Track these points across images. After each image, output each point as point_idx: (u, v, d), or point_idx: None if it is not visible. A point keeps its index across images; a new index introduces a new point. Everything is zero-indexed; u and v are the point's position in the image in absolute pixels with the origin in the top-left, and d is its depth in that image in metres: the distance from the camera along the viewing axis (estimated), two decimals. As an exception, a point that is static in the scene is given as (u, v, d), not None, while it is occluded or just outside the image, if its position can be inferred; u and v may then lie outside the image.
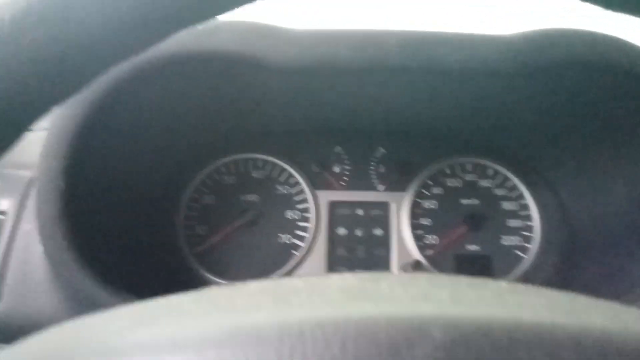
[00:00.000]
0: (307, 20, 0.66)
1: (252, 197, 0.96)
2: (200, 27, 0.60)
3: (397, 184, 0.97)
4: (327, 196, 0.97)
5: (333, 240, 0.95)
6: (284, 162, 0.97)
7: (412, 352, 0.22)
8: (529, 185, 0.96)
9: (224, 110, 0.80)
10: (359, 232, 0.96)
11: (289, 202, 0.96)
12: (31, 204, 0.72)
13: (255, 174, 0.97)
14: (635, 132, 0.69)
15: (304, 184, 0.96)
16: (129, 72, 0.59)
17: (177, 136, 0.84)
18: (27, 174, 0.75)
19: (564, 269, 0.89)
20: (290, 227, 0.95)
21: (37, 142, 0.65)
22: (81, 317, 0.29)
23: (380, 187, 0.98)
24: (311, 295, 0.28)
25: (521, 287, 0.31)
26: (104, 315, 0.29)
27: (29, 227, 0.70)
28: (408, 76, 0.63)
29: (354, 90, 0.71)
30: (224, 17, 0.60)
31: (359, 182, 0.98)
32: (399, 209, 0.96)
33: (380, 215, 0.97)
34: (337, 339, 0.23)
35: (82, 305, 0.66)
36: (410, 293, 0.27)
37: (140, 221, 0.83)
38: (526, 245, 0.94)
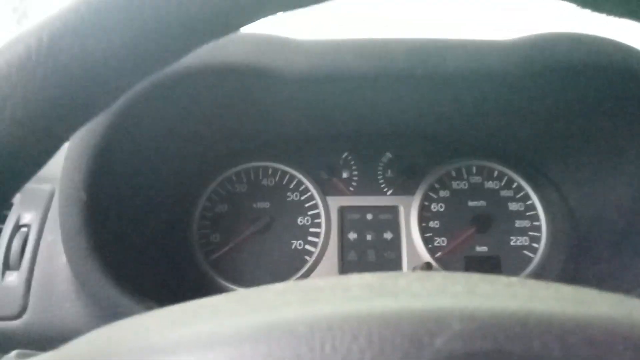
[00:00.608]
0: (314, 32, 0.68)
1: (264, 205, 0.98)
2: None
3: (405, 188, 0.99)
4: (336, 202, 0.99)
5: (344, 245, 0.97)
6: (294, 170, 0.99)
7: (433, 341, 0.25)
8: (535, 186, 0.98)
9: (237, 120, 0.82)
10: (369, 236, 0.98)
11: (299, 208, 0.98)
12: (53, 216, 0.74)
13: (266, 182, 0.99)
14: (636, 132, 0.71)
15: (313, 191, 0.98)
16: (147, 86, 0.62)
17: (192, 147, 0.86)
18: (48, 187, 0.77)
19: (571, 267, 0.91)
20: (302, 233, 0.97)
21: (57, 156, 0.68)
22: (120, 320, 0.31)
23: (389, 191, 1.00)
24: (334, 292, 0.30)
25: (531, 281, 0.33)
26: (143, 317, 0.31)
27: (52, 238, 0.73)
28: (414, 82, 0.66)
29: (362, 97, 0.73)
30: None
31: (368, 187, 1.00)
32: (407, 213, 0.98)
33: (389, 219, 0.99)
34: (363, 332, 0.25)
35: (105, 313, 0.68)
36: (427, 288, 0.29)
37: (158, 231, 0.86)
38: (534, 245, 0.96)
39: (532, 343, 0.24)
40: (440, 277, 0.33)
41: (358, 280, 0.33)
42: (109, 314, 0.68)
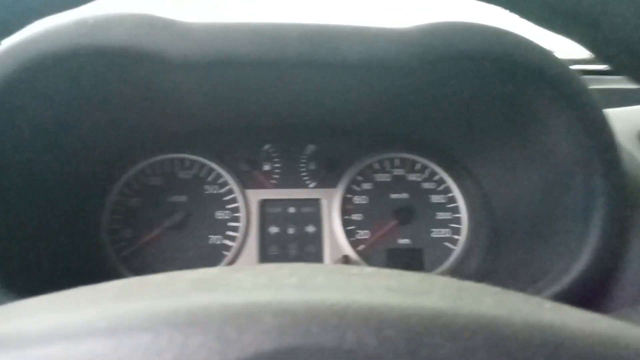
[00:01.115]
0: (202, 14, 0.64)
1: (180, 198, 0.94)
2: (92, 19, 0.58)
3: (327, 181, 0.98)
4: (257, 195, 0.96)
5: (265, 239, 0.94)
6: (212, 162, 0.95)
7: (241, 337, 0.22)
8: (455, 178, 0.98)
9: (135, 108, 0.77)
10: (291, 230, 0.95)
11: (218, 202, 0.95)
12: None
13: (183, 175, 0.95)
14: (537, 121, 0.72)
15: (233, 184, 0.95)
16: (16, 66, 0.56)
17: (93, 136, 0.81)
18: None
19: (489, 258, 0.92)
20: (221, 227, 0.94)
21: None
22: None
23: (311, 184, 0.98)
24: (158, 287, 0.28)
25: (381, 272, 0.31)
26: (19, 303, 0.29)
27: None
28: (311, 69, 0.63)
29: (265, 86, 0.70)
30: (115, 10, 0.58)
31: (290, 179, 0.98)
32: (330, 205, 0.96)
33: (311, 212, 0.97)
34: (166, 330, 0.22)
35: None
36: (256, 281, 0.27)
37: (59, 226, 0.80)
38: (455, 236, 0.96)
39: (346, 336, 0.22)
40: (286, 270, 0.30)
41: (194, 274, 0.30)
42: None
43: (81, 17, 0.56)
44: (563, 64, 0.66)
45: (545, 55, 0.64)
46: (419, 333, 0.22)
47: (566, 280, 0.70)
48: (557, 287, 0.70)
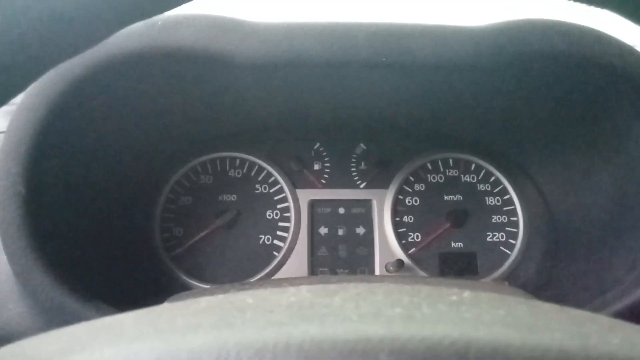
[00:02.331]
0: (271, 12, 0.63)
1: (230, 197, 0.93)
2: (161, 21, 0.57)
3: (378, 181, 0.96)
4: (307, 195, 0.94)
5: (314, 240, 0.93)
6: (262, 161, 0.95)
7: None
8: (513, 181, 0.94)
9: (195, 107, 0.77)
10: (340, 231, 0.94)
11: (268, 201, 0.94)
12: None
13: (233, 173, 0.95)
14: (616, 126, 0.68)
15: (283, 183, 0.94)
16: (86, 70, 0.57)
17: (149, 135, 0.81)
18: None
19: (547, 265, 0.88)
20: (271, 227, 0.93)
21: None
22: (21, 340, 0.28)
23: (362, 184, 0.96)
24: (256, 314, 0.26)
25: (483, 298, 0.29)
26: (51, 335, 0.28)
27: None
28: (379, 70, 0.61)
29: (327, 85, 0.68)
30: (184, 10, 0.58)
31: (340, 179, 0.96)
32: (381, 207, 0.94)
33: (362, 213, 0.95)
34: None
35: (51, 314, 0.63)
36: (361, 309, 0.25)
37: (113, 225, 0.81)
38: (511, 241, 0.93)
39: None
40: (381, 294, 0.29)
41: (289, 297, 0.29)
42: (55, 315, 0.63)
43: (151, 19, 0.56)
44: None
45: (629, 54, 0.60)
46: None
47: (637, 293, 0.66)
48: (626, 301, 0.66)
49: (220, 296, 0.31)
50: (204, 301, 0.31)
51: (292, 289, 0.31)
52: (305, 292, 0.30)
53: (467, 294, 0.30)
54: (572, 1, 0.36)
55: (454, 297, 0.29)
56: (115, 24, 0.33)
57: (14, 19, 0.30)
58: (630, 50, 0.60)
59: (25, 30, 0.31)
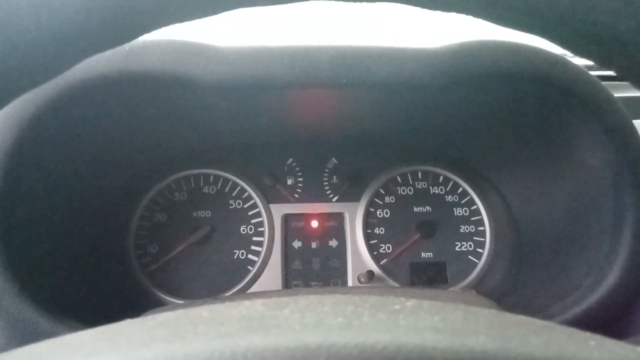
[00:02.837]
0: (235, 37, 0.65)
1: (205, 214, 0.95)
2: (128, 46, 0.59)
3: (350, 194, 0.98)
4: (280, 209, 0.96)
5: (288, 254, 0.95)
6: (236, 177, 0.96)
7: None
8: (479, 191, 0.98)
9: (166, 127, 0.79)
10: (314, 244, 0.96)
11: (242, 217, 0.95)
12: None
13: (207, 190, 0.96)
14: (568, 139, 0.71)
15: (256, 198, 0.96)
16: (57, 92, 0.58)
17: (121, 155, 0.82)
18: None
19: (514, 272, 0.91)
20: (245, 242, 0.94)
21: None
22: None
23: (334, 197, 0.98)
24: (208, 326, 0.28)
25: (426, 306, 0.31)
26: (8, 356, 0.29)
27: None
28: (341, 90, 0.64)
29: (294, 105, 0.71)
30: (150, 36, 0.60)
31: (313, 193, 0.98)
32: (352, 219, 0.96)
33: (334, 226, 0.97)
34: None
35: (23, 334, 0.64)
36: (306, 320, 0.27)
37: (87, 243, 0.81)
38: (479, 250, 0.96)
39: None
40: (329, 305, 0.31)
41: (242, 310, 0.31)
42: (28, 335, 0.63)
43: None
44: (594, 81, 0.65)
45: (577, 73, 0.63)
46: None
47: (593, 298, 0.69)
48: (584, 305, 0.69)
49: (179, 311, 0.33)
50: (162, 316, 0.33)
51: (247, 303, 0.33)
52: (259, 305, 0.32)
53: (410, 302, 0.33)
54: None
55: (397, 306, 0.31)
56: (85, 53, 0.35)
57: None
58: (578, 69, 0.64)
59: None
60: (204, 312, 0.31)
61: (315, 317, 0.28)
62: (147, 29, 0.35)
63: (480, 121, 0.80)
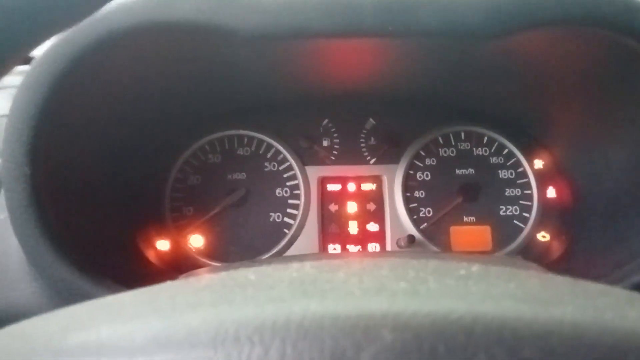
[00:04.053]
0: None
1: (239, 176, 0.93)
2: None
3: (389, 157, 0.94)
4: (317, 172, 0.93)
5: (325, 217, 0.92)
6: (271, 138, 0.93)
7: (359, 356, 0.20)
8: (526, 153, 0.92)
9: (199, 84, 0.76)
10: (351, 208, 0.93)
11: (277, 179, 0.93)
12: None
13: (241, 152, 0.94)
14: (632, 97, 0.65)
15: (292, 160, 0.93)
16: (87, 44, 0.56)
17: (153, 114, 0.80)
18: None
19: (563, 238, 0.86)
20: (281, 205, 0.92)
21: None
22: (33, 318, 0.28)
23: (372, 160, 0.94)
24: (258, 290, 0.26)
25: (492, 271, 0.28)
26: (52, 315, 0.28)
27: (4, 216, 0.68)
28: (385, 42, 0.59)
29: (332, 59, 0.67)
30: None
31: (350, 155, 0.94)
32: (391, 183, 0.93)
33: (372, 190, 0.94)
34: (276, 344, 0.20)
35: (62, 294, 0.64)
36: (364, 284, 0.24)
37: (123, 204, 0.81)
38: (524, 214, 0.91)
39: (477, 358, 0.19)
40: (387, 269, 0.28)
41: (291, 272, 0.28)
42: (66, 296, 0.63)
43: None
44: None
45: None
46: (563, 355, 0.19)
47: None
48: None
49: (223, 273, 0.31)
50: (205, 279, 0.31)
51: (295, 265, 0.30)
52: (309, 268, 0.29)
53: (476, 267, 0.29)
54: None
55: (462, 271, 0.28)
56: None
57: None
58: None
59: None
60: (251, 275, 0.29)
61: (375, 281, 0.25)
62: None
63: (534, 77, 0.74)
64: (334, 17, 0.55)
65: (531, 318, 0.21)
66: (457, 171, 0.93)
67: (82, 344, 0.22)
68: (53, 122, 0.58)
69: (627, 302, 0.25)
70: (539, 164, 0.92)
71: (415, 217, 0.91)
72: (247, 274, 0.29)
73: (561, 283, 0.28)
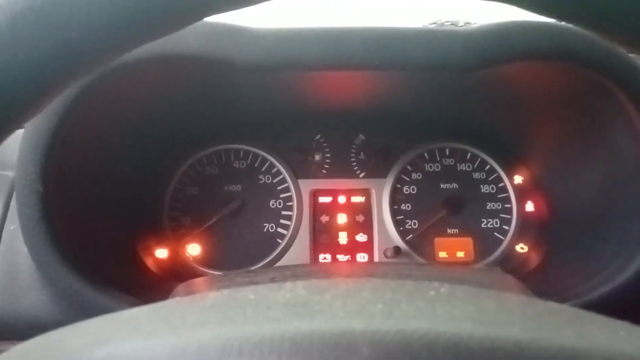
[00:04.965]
0: (271, 19, 0.66)
1: (235, 187, 0.97)
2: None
3: (377, 171, 0.99)
4: (309, 185, 0.98)
5: (316, 228, 0.97)
6: (265, 152, 0.98)
7: (341, 367, 0.24)
8: (507, 169, 0.98)
9: (200, 106, 0.81)
10: (341, 219, 0.98)
11: (271, 191, 0.98)
12: (15, 203, 0.73)
13: (237, 164, 0.98)
14: (602, 119, 0.71)
15: (285, 173, 0.98)
16: (100, 75, 0.60)
17: (157, 132, 0.85)
18: (10, 174, 0.76)
19: (539, 250, 0.92)
20: (274, 216, 0.97)
21: (17, 142, 0.66)
22: (50, 331, 0.32)
23: (361, 173, 0.99)
24: (256, 310, 0.30)
25: (460, 293, 0.33)
26: (76, 328, 0.32)
27: (15, 226, 0.72)
28: (374, 72, 0.64)
29: (325, 84, 0.72)
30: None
31: (340, 169, 0.99)
32: (379, 196, 0.98)
33: (361, 202, 0.99)
34: (273, 358, 0.25)
35: (69, 301, 0.68)
36: (347, 306, 0.29)
37: (126, 216, 0.85)
38: (504, 227, 0.96)
39: None
40: (367, 291, 0.33)
41: (285, 293, 0.33)
42: (74, 304, 0.68)
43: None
44: (629, 60, 0.65)
45: (612, 52, 0.62)
46: None
47: (620, 279, 0.69)
48: (610, 286, 0.70)
49: (226, 292, 0.36)
50: (210, 297, 0.35)
51: (289, 285, 0.35)
52: (301, 289, 0.34)
53: (444, 289, 0.34)
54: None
55: (432, 293, 0.33)
56: (134, 43, 0.36)
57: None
58: (609, 46, 0.63)
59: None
60: (250, 295, 0.34)
61: (357, 304, 0.30)
62: (201, 16, 0.36)
63: (513, 100, 0.80)
64: (325, 51, 0.60)
65: (482, 337, 0.26)
66: (442, 185, 0.98)
67: (109, 356, 0.27)
68: (64, 144, 0.63)
69: (567, 320, 0.30)
70: (518, 179, 0.97)
71: (401, 228, 0.96)
72: (247, 294, 0.34)
73: (516, 304, 0.33)
